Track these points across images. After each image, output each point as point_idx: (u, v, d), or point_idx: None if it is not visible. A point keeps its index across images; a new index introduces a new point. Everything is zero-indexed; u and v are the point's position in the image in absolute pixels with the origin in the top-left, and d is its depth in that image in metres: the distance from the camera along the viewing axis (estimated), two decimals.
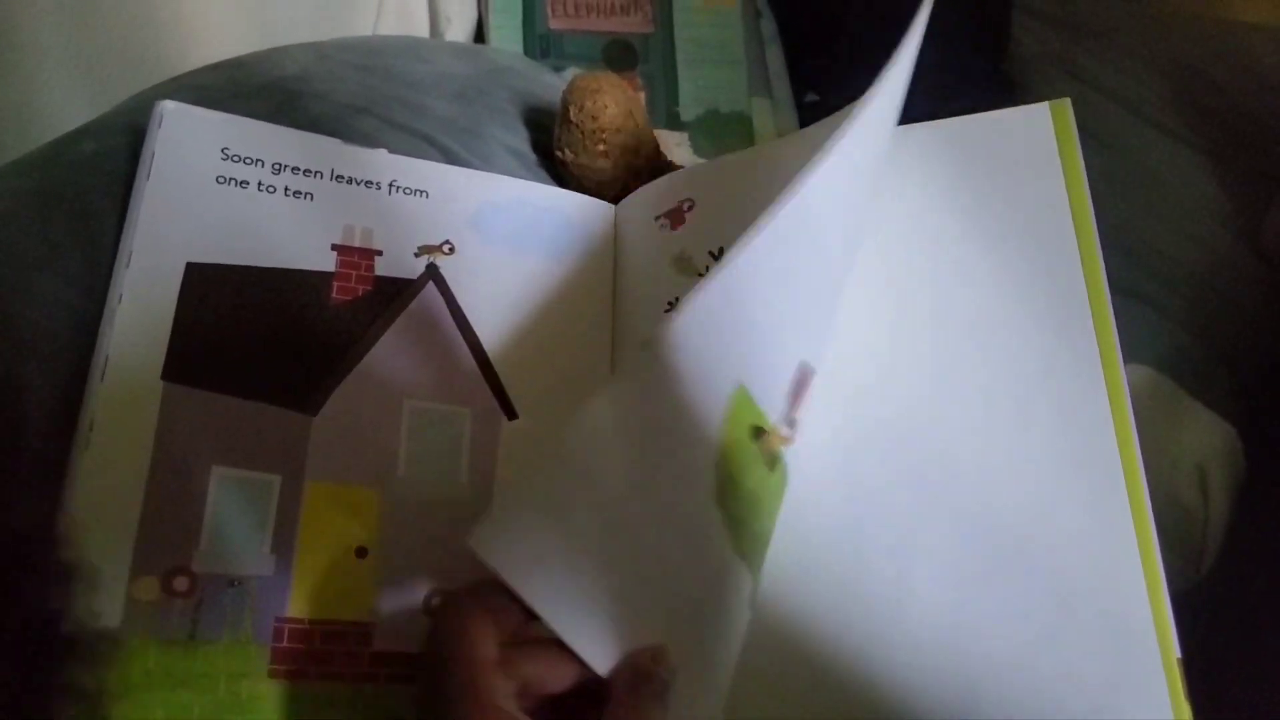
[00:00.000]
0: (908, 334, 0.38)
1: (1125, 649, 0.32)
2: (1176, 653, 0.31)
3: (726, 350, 0.30)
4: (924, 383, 0.37)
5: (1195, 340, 0.50)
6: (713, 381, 0.29)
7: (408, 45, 0.51)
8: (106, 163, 0.39)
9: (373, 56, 0.48)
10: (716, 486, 0.30)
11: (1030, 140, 0.38)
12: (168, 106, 0.39)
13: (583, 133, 0.44)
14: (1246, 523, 0.45)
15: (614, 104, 0.44)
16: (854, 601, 0.34)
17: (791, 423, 0.33)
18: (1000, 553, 0.34)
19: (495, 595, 0.29)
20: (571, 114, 0.44)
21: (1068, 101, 0.38)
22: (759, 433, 0.32)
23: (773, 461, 0.32)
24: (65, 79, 0.47)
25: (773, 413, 0.32)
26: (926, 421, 0.36)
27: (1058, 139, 0.38)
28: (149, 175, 0.37)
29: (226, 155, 0.39)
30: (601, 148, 0.44)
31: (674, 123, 0.64)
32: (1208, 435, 0.47)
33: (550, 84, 0.53)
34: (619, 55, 0.67)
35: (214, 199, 0.38)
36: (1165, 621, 0.32)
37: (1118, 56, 0.60)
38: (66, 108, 0.47)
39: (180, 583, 0.33)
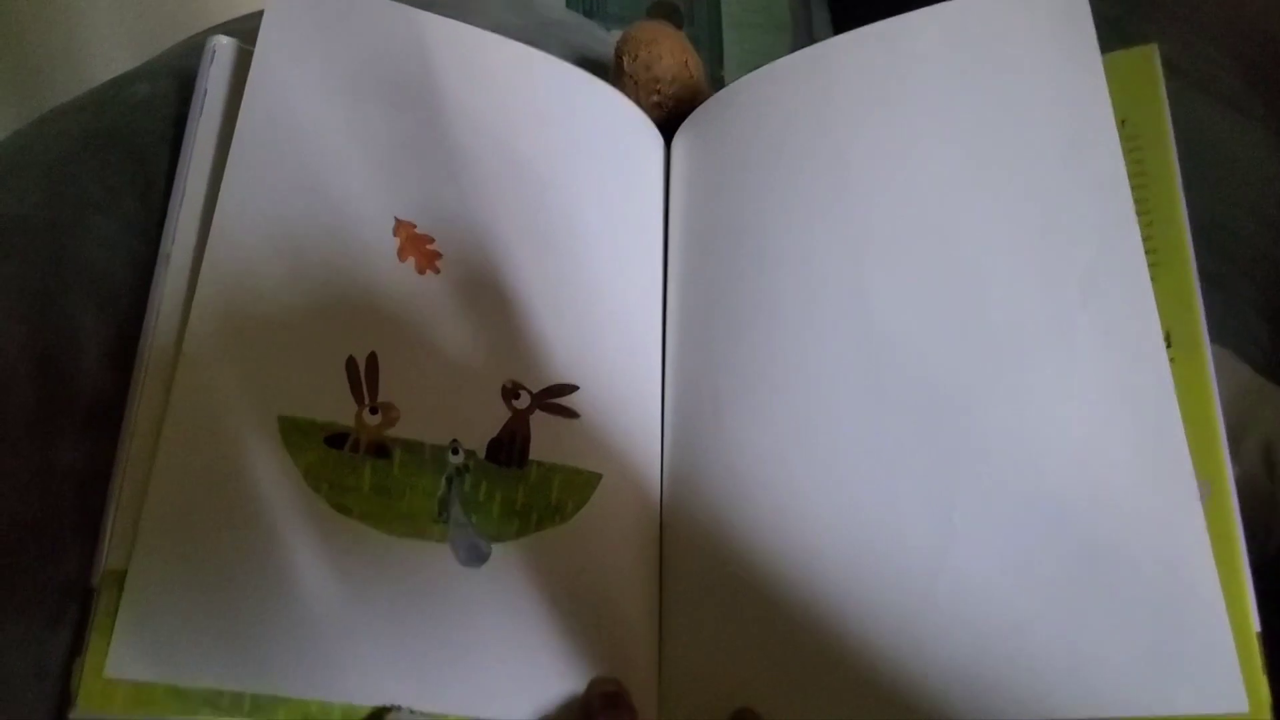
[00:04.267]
0: (925, 259, 0.35)
1: (1186, 617, 0.29)
2: (1256, 626, 0.29)
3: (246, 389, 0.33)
4: (948, 312, 0.34)
5: (1264, 320, 0.49)
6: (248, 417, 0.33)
7: None
8: (159, 106, 0.39)
9: (425, 6, 0.47)
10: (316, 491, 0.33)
11: (1065, 29, 0.36)
12: (220, 41, 0.38)
13: (636, 83, 0.43)
14: None
15: (669, 54, 0.43)
16: (888, 569, 0.33)
17: (376, 408, 0.34)
18: (1042, 507, 0.31)
19: None
20: (625, 64, 0.43)
21: (1153, 48, 0.36)
22: (340, 439, 0.34)
23: (380, 447, 0.34)
24: (112, 23, 0.47)
25: (339, 414, 0.34)
26: (955, 356, 0.34)
27: (1138, 84, 0.35)
28: (201, 113, 0.37)
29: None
30: (655, 99, 0.43)
31: (718, 86, 0.63)
32: (1275, 413, 0.46)
33: (601, 38, 0.52)
34: (664, 16, 0.66)
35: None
36: (1242, 591, 0.30)
37: (1181, 27, 0.58)
38: (114, 52, 0.47)
39: None
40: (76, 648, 0.30)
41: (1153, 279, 0.33)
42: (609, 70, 0.45)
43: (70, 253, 0.35)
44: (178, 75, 0.40)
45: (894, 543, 0.33)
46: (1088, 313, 0.32)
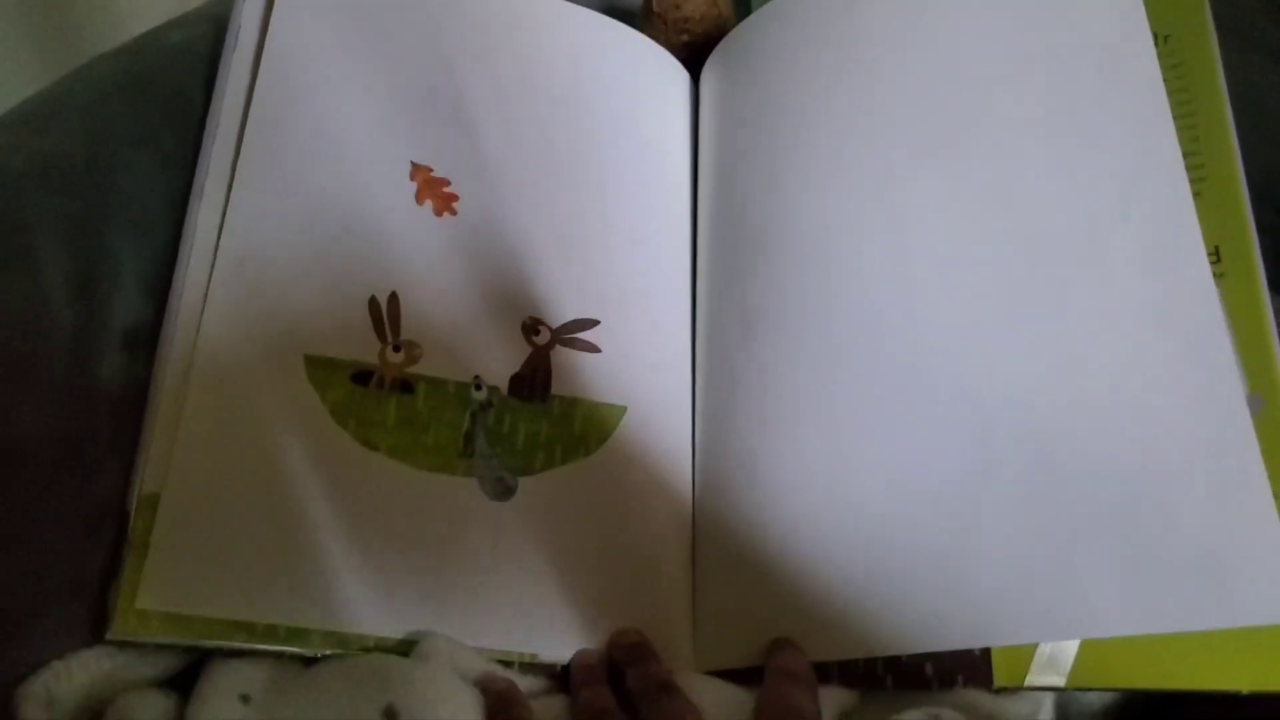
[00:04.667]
0: (956, 174, 0.34)
1: (1239, 530, 0.28)
2: None
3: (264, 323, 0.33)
4: (980, 228, 0.33)
5: None
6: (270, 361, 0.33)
7: None
8: (194, 48, 0.40)
9: None
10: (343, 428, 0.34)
11: None
12: None
13: (665, 23, 0.43)
14: None
15: None
16: (926, 503, 0.32)
17: (399, 346, 0.34)
18: (1082, 426, 0.30)
19: None
20: (654, 4, 0.43)
21: None
22: (366, 377, 0.34)
23: (404, 384, 0.35)
24: None
25: (364, 352, 0.34)
26: (989, 271, 0.33)
27: (1180, 1, 0.34)
28: (235, 48, 0.37)
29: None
30: (685, 38, 0.43)
31: None
32: None
33: None
34: None
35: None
36: None
37: None
38: (153, 10, 0.48)
39: None
40: (112, 568, 0.31)
41: (1201, 195, 0.32)
42: (638, 17, 0.45)
43: (109, 186, 0.35)
44: (213, 21, 0.41)
45: (931, 474, 0.32)
46: (1126, 223, 0.31)
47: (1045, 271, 0.32)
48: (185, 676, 0.31)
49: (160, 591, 0.30)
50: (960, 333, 0.33)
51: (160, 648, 0.31)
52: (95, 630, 0.30)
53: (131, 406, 0.33)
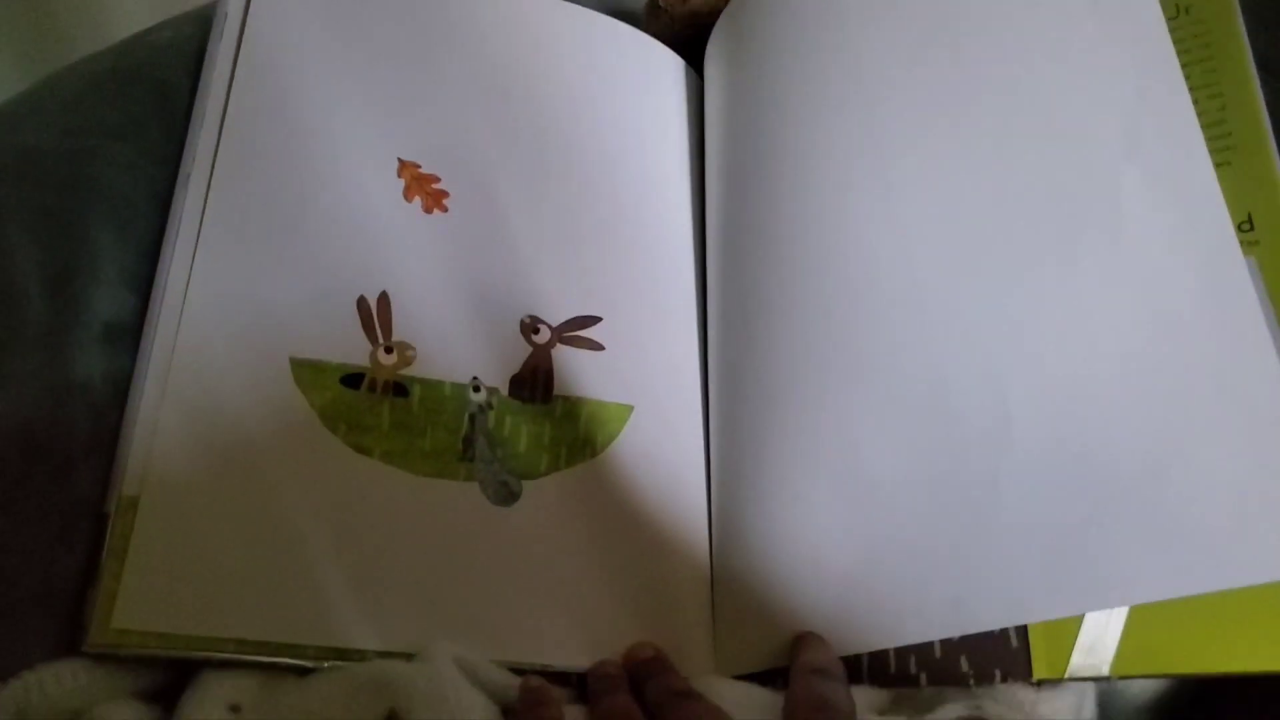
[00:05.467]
0: (950, 136, 0.33)
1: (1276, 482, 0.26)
2: None
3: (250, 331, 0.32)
4: (982, 183, 0.32)
5: None
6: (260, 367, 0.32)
7: None
8: (182, 46, 0.39)
9: None
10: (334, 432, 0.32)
11: None
12: None
13: (672, 18, 0.42)
14: None
15: None
16: (948, 474, 0.30)
17: (391, 348, 0.33)
18: (1104, 380, 0.28)
19: None
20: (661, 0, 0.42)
21: None
22: (356, 380, 0.33)
23: (398, 386, 0.33)
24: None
25: (353, 354, 0.33)
26: (993, 227, 0.31)
27: None
28: (221, 37, 0.36)
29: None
30: (692, 33, 0.42)
31: None
32: None
33: None
34: None
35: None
36: None
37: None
38: (143, 19, 0.47)
39: None
40: (89, 574, 0.29)
41: (1230, 164, 0.31)
42: (641, 13, 0.44)
43: (89, 177, 0.34)
44: (200, 21, 0.40)
45: (948, 453, 0.30)
46: (1133, 166, 0.30)
47: (1055, 230, 0.31)
48: (171, 689, 0.29)
49: (139, 608, 0.28)
50: (970, 305, 0.31)
51: (142, 660, 0.28)
52: (69, 639, 0.28)
53: (112, 403, 0.31)
